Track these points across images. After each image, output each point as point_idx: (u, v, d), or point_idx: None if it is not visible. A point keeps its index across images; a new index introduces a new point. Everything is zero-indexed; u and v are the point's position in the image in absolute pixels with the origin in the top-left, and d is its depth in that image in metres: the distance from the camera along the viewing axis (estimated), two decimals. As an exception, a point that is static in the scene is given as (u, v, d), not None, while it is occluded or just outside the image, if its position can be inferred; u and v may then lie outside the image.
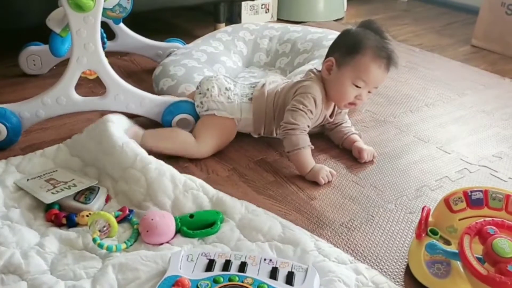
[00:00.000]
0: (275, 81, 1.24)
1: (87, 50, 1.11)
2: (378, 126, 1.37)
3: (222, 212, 0.94)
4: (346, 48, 1.12)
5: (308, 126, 1.13)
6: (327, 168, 1.11)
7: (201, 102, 1.18)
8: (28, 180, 1.00)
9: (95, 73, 1.17)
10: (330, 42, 1.55)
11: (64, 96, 1.14)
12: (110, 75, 1.16)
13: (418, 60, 1.88)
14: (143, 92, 1.21)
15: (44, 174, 1.02)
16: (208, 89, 1.18)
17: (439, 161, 1.21)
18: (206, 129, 1.17)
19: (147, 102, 1.20)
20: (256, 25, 1.71)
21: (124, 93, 1.17)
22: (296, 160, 1.11)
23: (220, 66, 1.51)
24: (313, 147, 1.12)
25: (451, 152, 1.25)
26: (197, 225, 0.90)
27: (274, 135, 1.22)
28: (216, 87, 1.18)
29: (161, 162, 1.01)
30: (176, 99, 1.23)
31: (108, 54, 1.62)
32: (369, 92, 1.14)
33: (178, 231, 0.90)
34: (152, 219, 0.88)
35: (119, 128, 1.09)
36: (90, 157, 1.07)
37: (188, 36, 1.83)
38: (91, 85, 1.38)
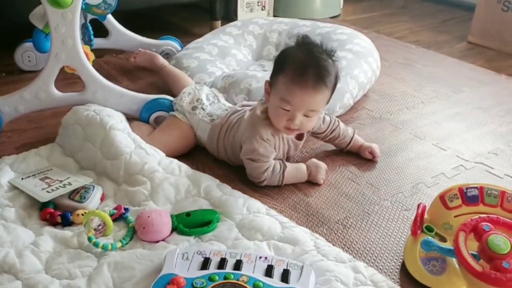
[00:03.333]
0: (244, 110, 1.12)
1: (65, 45, 1.11)
2: (374, 123, 1.37)
3: (222, 213, 0.94)
4: (275, 67, 1.03)
5: (274, 158, 1.05)
6: (320, 167, 1.08)
7: (174, 103, 1.21)
8: (22, 179, 1.00)
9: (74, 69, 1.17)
10: (339, 37, 1.57)
11: (43, 92, 1.14)
12: (89, 71, 1.16)
13: (414, 57, 1.88)
14: (121, 88, 1.21)
15: (38, 173, 1.02)
16: (184, 93, 1.19)
17: (435, 158, 1.21)
18: (163, 128, 1.17)
19: (125, 98, 1.20)
20: (265, 19, 1.74)
21: (102, 89, 1.17)
22: (289, 180, 1.06)
23: (231, 59, 1.54)
24: (286, 165, 1.05)
25: (447, 149, 1.25)
26: (194, 224, 0.90)
27: (230, 163, 1.13)
28: (192, 95, 1.19)
29: (169, 168, 1.02)
30: (155, 96, 1.23)
31: (103, 51, 1.63)
32: (306, 116, 1.00)
33: (174, 229, 0.89)
34: (148, 216, 0.87)
35: (123, 132, 1.08)
36: (86, 159, 1.07)
37: (184, 34, 1.82)
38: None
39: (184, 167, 1.05)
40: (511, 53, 1.96)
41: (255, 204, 0.96)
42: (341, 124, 1.18)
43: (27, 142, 1.17)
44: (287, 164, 1.06)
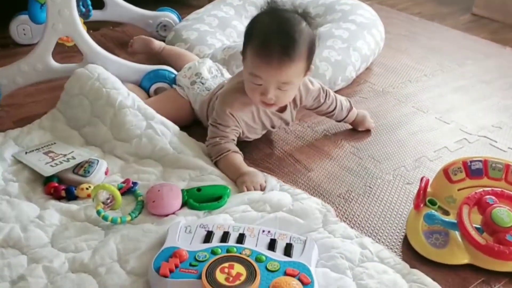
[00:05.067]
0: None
1: (61, 16, 1.09)
2: (376, 97, 1.35)
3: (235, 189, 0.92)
4: (244, 38, 0.97)
5: (234, 139, 1.01)
6: (253, 179, 0.94)
7: (178, 79, 1.19)
8: (26, 153, 0.99)
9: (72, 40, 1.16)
10: (343, 7, 1.53)
11: (40, 63, 1.13)
12: (87, 42, 1.14)
13: (417, 29, 1.85)
14: (120, 59, 1.20)
15: (42, 147, 1.01)
16: (185, 67, 1.18)
17: (438, 131, 1.20)
18: (159, 98, 1.16)
19: (125, 69, 1.19)
20: None
21: (101, 60, 1.16)
22: (221, 167, 0.98)
23: (231, 31, 1.51)
24: (230, 154, 0.98)
25: (451, 123, 1.24)
26: (204, 199, 0.89)
27: None
28: (192, 69, 1.17)
29: (181, 147, 1.00)
30: (156, 67, 1.21)
31: (100, 24, 1.60)
32: (280, 89, 0.94)
33: (184, 204, 0.89)
34: (158, 190, 0.87)
35: (133, 109, 1.06)
36: (94, 136, 1.05)
37: (182, 6, 1.78)
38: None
39: (196, 144, 1.04)
40: (516, 25, 1.93)
41: (271, 181, 0.95)
42: (338, 107, 1.12)
43: (24, 116, 1.16)
44: (236, 158, 0.98)
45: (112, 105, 1.05)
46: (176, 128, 1.06)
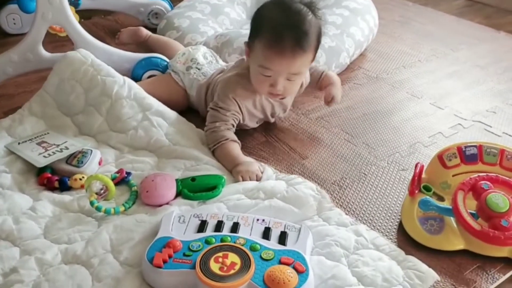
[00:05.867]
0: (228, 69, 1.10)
1: (51, 4, 1.08)
2: (370, 83, 1.34)
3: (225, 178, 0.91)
4: (252, 29, 0.98)
5: (233, 124, 1.01)
6: (250, 170, 0.93)
7: (170, 64, 1.18)
8: (19, 143, 0.98)
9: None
10: None
11: (31, 53, 1.12)
12: (77, 31, 1.13)
13: (411, 14, 1.84)
14: (111, 47, 1.19)
15: (35, 137, 1.00)
16: (179, 53, 1.17)
17: (433, 117, 1.20)
18: (152, 81, 1.15)
19: (116, 58, 1.18)
20: None
21: (92, 48, 1.14)
22: (218, 156, 0.97)
23: (224, 18, 1.50)
24: (228, 143, 0.97)
25: (445, 108, 1.24)
26: (199, 188, 0.88)
27: None
28: (186, 55, 1.16)
29: (177, 138, 1.00)
30: (148, 54, 1.20)
31: (91, 12, 1.58)
32: (289, 79, 0.96)
33: (179, 194, 0.88)
34: (152, 180, 0.86)
35: (129, 99, 1.04)
36: (89, 125, 1.03)
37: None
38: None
39: (193, 131, 1.03)
40: (510, 9, 1.92)
41: (267, 171, 0.94)
42: (316, 69, 1.14)
43: (16, 106, 1.14)
44: (233, 147, 0.97)
45: (109, 96, 1.03)
46: (174, 115, 1.04)
